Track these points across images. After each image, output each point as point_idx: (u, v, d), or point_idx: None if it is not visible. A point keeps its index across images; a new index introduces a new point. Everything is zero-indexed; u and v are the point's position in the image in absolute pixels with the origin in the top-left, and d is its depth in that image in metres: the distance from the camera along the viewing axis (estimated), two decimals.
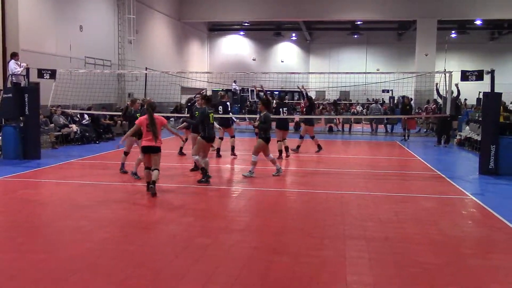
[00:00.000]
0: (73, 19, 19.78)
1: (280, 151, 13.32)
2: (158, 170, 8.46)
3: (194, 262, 5.30)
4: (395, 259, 5.47)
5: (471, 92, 28.01)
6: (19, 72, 13.23)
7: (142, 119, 8.54)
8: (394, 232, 6.50)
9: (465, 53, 39.09)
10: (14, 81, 13.29)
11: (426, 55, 28.46)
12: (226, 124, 13.58)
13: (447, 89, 13.62)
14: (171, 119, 22.61)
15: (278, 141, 13.42)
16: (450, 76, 13.13)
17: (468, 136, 16.36)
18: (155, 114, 8.54)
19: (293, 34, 41.60)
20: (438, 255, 5.60)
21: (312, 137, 14.67)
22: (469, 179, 10.82)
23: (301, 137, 14.77)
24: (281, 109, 13.64)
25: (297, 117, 24.95)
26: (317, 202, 8.38)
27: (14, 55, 13.56)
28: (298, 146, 14.54)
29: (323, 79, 23.00)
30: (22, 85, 13.28)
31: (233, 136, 13.96)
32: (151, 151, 8.44)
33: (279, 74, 29.71)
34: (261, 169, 11.87)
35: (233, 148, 13.71)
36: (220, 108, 13.34)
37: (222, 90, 29.69)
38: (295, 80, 35.17)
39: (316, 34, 42.17)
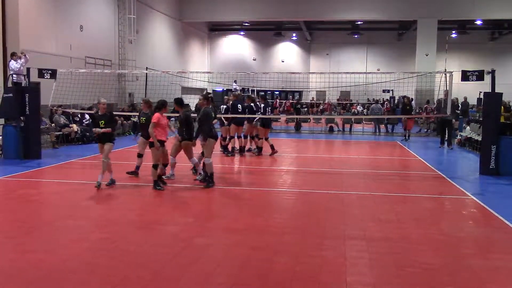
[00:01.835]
0: (74, 19, 19.80)
1: (260, 148, 13.80)
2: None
3: (194, 262, 5.30)
4: (395, 259, 5.46)
5: (471, 92, 28.01)
6: (20, 67, 13.25)
7: (158, 116, 8.85)
8: (394, 232, 6.50)
9: (466, 53, 39.06)
10: (15, 80, 13.32)
11: (427, 55, 28.48)
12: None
13: (447, 89, 13.63)
14: (171, 118, 22.61)
15: (260, 138, 13.84)
16: (451, 76, 13.13)
17: (468, 136, 16.34)
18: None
19: (294, 34, 41.60)
20: (438, 255, 5.59)
21: (246, 137, 14.16)
22: (470, 179, 10.81)
23: (246, 137, 14.18)
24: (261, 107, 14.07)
25: (297, 117, 24.91)
26: (317, 202, 8.38)
27: (13, 55, 13.58)
28: (245, 148, 14.02)
29: (323, 79, 22.99)
30: (22, 84, 13.30)
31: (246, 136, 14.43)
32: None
33: (280, 74, 29.69)
34: (262, 169, 11.88)
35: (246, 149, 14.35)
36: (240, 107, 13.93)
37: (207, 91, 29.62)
38: (295, 80, 35.25)
39: (316, 34, 42.16)
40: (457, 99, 19.36)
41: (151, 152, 9.04)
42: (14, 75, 13.31)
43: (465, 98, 26.19)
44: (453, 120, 16.95)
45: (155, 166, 8.90)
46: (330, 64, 41.14)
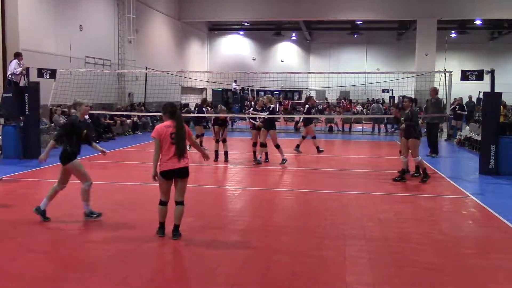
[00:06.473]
0: (73, 19, 19.77)
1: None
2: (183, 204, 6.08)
3: (193, 262, 5.30)
4: (394, 259, 5.47)
5: (469, 92, 27.99)
6: (17, 73, 13.24)
7: (162, 127, 5.96)
8: (394, 232, 6.50)
9: (465, 53, 39.06)
10: (14, 80, 13.31)
11: (426, 55, 28.46)
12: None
13: (447, 89, 13.63)
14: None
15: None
16: (450, 76, 13.14)
17: (468, 136, 16.35)
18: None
19: (293, 34, 41.59)
20: (437, 255, 5.60)
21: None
22: (469, 179, 10.81)
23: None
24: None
25: (297, 117, 24.94)
26: (317, 202, 8.38)
27: (18, 55, 13.54)
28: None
29: (323, 79, 22.99)
30: (20, 84, 13.28)
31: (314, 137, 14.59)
32: (177, 176, 5.97)
33: (279, 74, 29.67)
34: (261, 169, 11.86)
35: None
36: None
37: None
38: (295, 79, 35.24)
39: (316, 34, 42.16)
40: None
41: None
42: (12, 75, 13.30)
43: (470, 98, 26.02)
44: (440, 124, 15.46)
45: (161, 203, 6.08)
46: (329, 63, 41.15)
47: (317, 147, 14.50)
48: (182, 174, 5.95)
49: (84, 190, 6.80)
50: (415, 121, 10.13)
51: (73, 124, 6.69)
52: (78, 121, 6.77)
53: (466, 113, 21.55)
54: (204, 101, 15.35)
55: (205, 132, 14.87)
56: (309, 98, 15.38)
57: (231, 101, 32.19)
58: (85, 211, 6.85)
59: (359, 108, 31.79)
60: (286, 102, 32.47)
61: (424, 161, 10.57)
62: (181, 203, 6.01)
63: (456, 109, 19.46)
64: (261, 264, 5.26)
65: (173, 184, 6.03)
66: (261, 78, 26.17)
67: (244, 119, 22.87)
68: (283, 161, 12.13)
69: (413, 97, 11.10)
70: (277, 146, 12.20)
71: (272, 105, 12.41)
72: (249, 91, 30.19)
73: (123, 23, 23.60)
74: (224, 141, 12.69)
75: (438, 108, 14.12)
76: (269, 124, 12.16)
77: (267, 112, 12.18)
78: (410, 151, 10.18)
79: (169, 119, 5.94)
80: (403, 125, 10.10)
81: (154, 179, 5.94)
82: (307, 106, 14.75)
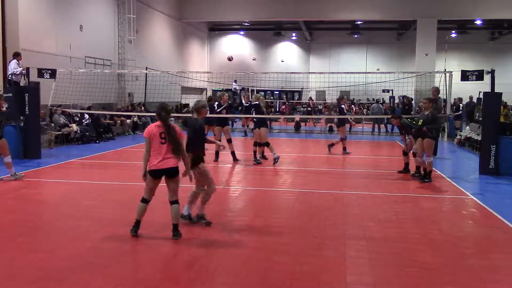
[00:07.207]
0: (73, 19, 19.78)
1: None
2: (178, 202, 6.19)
3: (194, 262, 5.30)
4: (395, 259, 5.47)
5: (470, 92, 28.01)
6: (17, 72, 13.25)
7: (152, 126, 6.06)
8: (394, 232, 6.50)
9: (465, 53, 39.07)
10: (14, 80, 13.32)
11: (426, 55, 28.47)
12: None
13: (447, 89, 13.65)
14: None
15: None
16: (450, 76, 13.15)
17: (468, 136, 16.35)
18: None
19: (293, 34, 41.60)
20: (438, 255, 5.60)
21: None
22: (469, 179, 10.81)
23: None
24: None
25: (297, 117, 24.97)
26: (317, 202, 8.38)
27: (17, 55, 13.56)
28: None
29: (323, 79, 22.99)
30: (21, 84, 13.29)
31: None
32: (166, 175, 6.10)
33: (279, 74, 29.69)
34: (262, 169, 11.86)
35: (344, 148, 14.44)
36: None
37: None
38: (295, 79, 35.22)
39: (316, 34, 42.17)
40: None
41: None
42: (12, 75, 13.31)
43: (471, 98, 26.00)
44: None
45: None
46: (330, 63, 41.15)
47: (344, 148, 14.56)
48: (170, 173, 6.03)
49: (194, 193, 6.70)
50: (438, 123, 10.08)
51: (195, 127, 6.52)
52: (199, 123, 6.60)
53: (461, 112, 21.66)
54: (210, 99, 15.32)
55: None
56: (341, 98, 15.18)
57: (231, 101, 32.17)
58: (185, 213, 6.75)
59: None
60: (284, 106, 32.25)
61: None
62: (175, 202, 6.11)
63: (453, 109, 19.55)
64: (261, 264, 5.26)
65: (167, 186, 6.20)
66: (261, 78, 26.14)
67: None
68: (275, 160, 12.04)
69: (432, 97, 10.86)
70: (267, 144, 12.23)
71: (257, 102, 12.54)
72: (249, 91, 30.19)
73: (123, 23, 23.61)
74: (229, 141, 12.63)
75: (436, 108, 14.08)
76: (260, 122, 12.30)
77: (248, 104, 12.86)
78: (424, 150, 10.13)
79: (159, 120, 6.04)
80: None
81: (143, 178, 6.12)
82: (342, 106, 14.69)
